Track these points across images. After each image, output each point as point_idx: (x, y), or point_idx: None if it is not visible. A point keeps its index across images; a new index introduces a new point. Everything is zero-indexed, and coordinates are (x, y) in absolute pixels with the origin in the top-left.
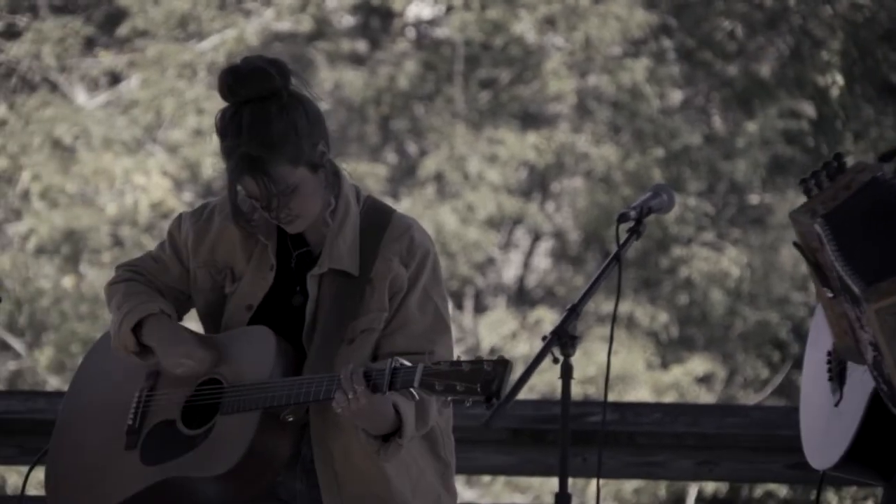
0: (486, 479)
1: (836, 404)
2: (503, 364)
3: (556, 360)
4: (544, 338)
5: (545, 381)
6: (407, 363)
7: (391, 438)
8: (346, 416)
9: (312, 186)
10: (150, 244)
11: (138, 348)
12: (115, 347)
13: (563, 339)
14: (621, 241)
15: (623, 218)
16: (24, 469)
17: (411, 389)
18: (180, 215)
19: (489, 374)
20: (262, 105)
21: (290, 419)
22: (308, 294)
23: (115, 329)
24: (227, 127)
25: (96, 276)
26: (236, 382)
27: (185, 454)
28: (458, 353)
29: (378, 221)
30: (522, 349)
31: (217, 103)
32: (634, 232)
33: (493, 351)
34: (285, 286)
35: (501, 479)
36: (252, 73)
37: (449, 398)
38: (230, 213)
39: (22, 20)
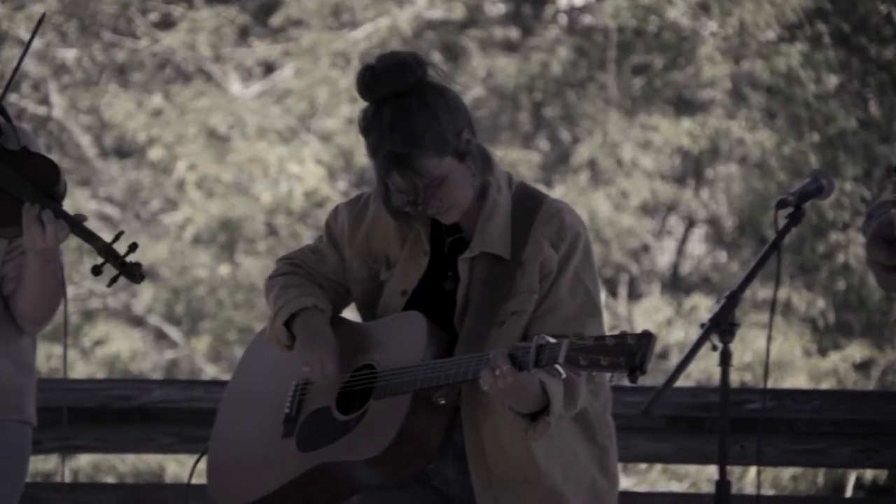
0: (643, 466)
1: None
2: (647, 337)
3: (714, 348)
4: (702, 325)
5: (700, 367)
6: (552, 339)
7: (539, 417)
8: (493, 394)
9: (461, 175)
10: (305, 233)
11: (290, 341)
12: (269, 340)
13: (723, 326)
14: (779, 228)
15: (782, 204)
16: (183, 457)
17: (557, 366)
18: (337, 206)
19: (633, 348)
20: (401, 100)
21: (442, 402)
22: (459, 278)
23: (270, 323)
24: (370, 125)
25: (252, 265)
26: (389, 367)
27: (339, 439)
28: None
29: (529, 206)
30: (677, 336)
31: None
32: (793, 218)
33: None
34: (438, 271)
35: (658, 466)
36: (388, 70)
37: (594, 373)
38: (388, 213)
39: (177, 10)
